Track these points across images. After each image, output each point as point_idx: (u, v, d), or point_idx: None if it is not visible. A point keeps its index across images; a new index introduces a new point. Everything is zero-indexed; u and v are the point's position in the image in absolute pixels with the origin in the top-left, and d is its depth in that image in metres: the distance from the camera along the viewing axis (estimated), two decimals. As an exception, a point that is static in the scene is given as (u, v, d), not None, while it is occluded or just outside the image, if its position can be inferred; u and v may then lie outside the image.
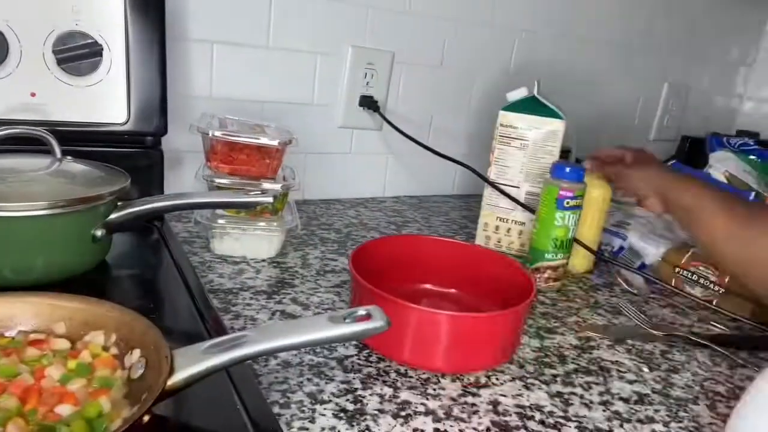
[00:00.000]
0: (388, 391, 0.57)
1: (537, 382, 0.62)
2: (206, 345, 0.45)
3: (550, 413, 0.57)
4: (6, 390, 0.42)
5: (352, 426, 0.51)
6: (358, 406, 0.54)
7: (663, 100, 1.61)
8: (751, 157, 1.16)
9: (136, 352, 0.47)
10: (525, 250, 0.96)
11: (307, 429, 0.50)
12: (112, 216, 0.66)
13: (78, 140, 0.78)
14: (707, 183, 0.76)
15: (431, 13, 1.15)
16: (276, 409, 0.52)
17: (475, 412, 0.56)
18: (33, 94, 0.77)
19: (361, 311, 0.48)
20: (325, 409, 0.53)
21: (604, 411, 0.59)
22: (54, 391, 0.42)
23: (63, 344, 0.48)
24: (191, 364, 0.43)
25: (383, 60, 1.12)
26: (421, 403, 0.56)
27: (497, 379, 0.62)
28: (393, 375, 0.60)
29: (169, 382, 0.42)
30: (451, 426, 0.53)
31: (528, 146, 0.93)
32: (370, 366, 0.61)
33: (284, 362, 0.59)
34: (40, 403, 0.41)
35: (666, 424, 0.58)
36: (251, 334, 0.46)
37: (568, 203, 0.83)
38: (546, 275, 0.85)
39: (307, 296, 0.74)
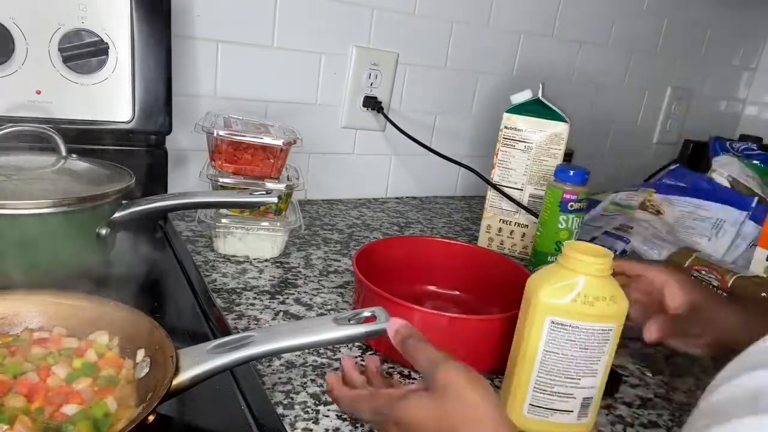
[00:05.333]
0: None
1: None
2: (212, 345, 0.45)
3: (554, 416, 0.57)
4: (12, 389, 0.42)
5: (356, 428, 0.51)
6: (362, 407, 0.54)
7: (666, 103, 1.61)
8: (755, 161, 1.16)
9: (141, 352, 0.47)
10: (528, 252, 0.96)
11: (311, 430, 0.50)
12: (117, 215, 0.66)
13: (83, 138, 0.78)
14: None
15: (435, 15, 1.15)
16: (280, 410, 0.52)
17: (479, 415, 0.56)
18: (38, 92, 0.77)
19: (366, 313, 0.48)
20: (328, 410, 0.53)
21: (607, 415, 0.59)
22: (60, 391, 0.42)
23: (71, 343, 0.48)
24: (197, 364, 0.43)
25: (387, 61, 1.12)
26: (425, 405, 0.56)
27: (500, 381, 0.61)
28: (397, 376, 0.60)
29: (175, 382, 0.42)
30: (454, 428, 0.53)
31: (532, 149, 0.94)
32: (374, 367, 0.61)
33: (288, 363, 0.59)
34: (47, 403, 0.41)
35: (669, 429, 0.58)
36: (257, 335, 0.46)
37: (571, 206, 0.83)
38: (549, 278, 0.85)
39: (311, 296, 0.74)
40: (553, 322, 0.50)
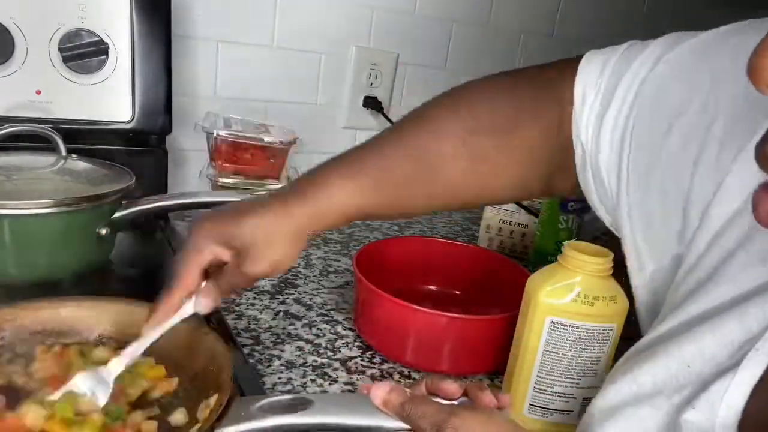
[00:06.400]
0: (391, 392, 0.57)
1: None
2: (261, 402, 0.41)
3: (554, 416, 0.57)
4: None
5: (356, 427, 0.51)
6: (362, 407, 0.54)
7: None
8: (755, 161, 1.16)
9: (211, 401, 0.42)
10: (528, 252, 0.96)
11: (311, 430, 0.50)
12: (117, 215, 0.66)
13: (83, 138, 0.78)
14: None
15: (435, 15, 1.15)
16: (280, 410, 0.52)
17: (479, 415, 0.56)
18: (38, 92, 0.77)
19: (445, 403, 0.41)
20: (328, 410, 0.53)
21: (607, 415, 0.59)
22: None
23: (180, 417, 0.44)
24: (237, 421, 0.39)
25: (387, 61, 1.12)
26: (425, 405, 0.56)
27: (500, 381, 0.61)
28: (397, 377, 0.60)
29: None
30: (454, 428, 0.53)
31: (532, 149, 0.93)
32: (374, 368, 0.61)
33: (288, 363, 0.59)
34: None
35: (669, 429, 0.58)
36: (316, 402, 0.41)
37: (572, 206, 0.83)
38: (549, 278, 0.85)
39: (311, 297, 0.74)
40: (552, 322, 0.50)
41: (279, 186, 0.80)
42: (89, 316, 0.50)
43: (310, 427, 0.40)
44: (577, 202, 0.83)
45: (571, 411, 0.53)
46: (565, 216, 0.83)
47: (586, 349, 0.51)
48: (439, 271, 0.77)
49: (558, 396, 0.52)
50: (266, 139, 0.81)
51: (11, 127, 0.68)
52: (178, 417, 0.43)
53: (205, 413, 0.41)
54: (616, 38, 0.50)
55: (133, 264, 0.77)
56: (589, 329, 0.50)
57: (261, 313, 0.68)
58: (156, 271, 0.77)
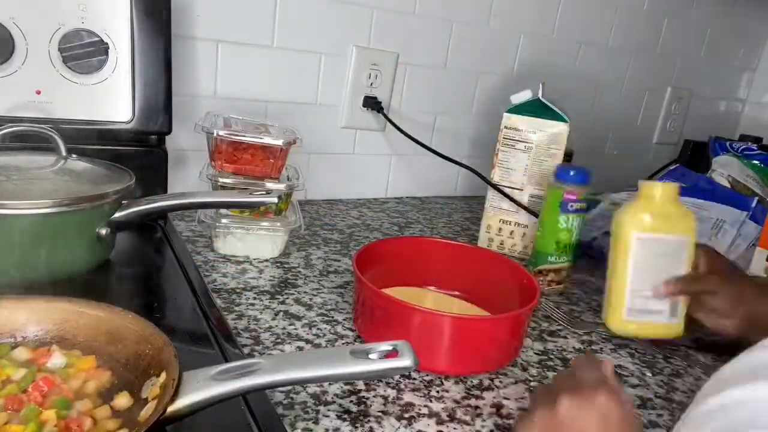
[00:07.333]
0: (391, 393, 0.57)
1: (540, 385, 0.62)
2: (216, 370, 0.42)
3: (554, 417, 0.57)
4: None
5: (356, 427, 0.51)
6: (362, 407, 0.54)
7: (666, 103, 1.61)
8: (755, 161, 1.16)
9: (159, 380, 0.43)
10: (527, 252, 0.96)
11: (311, 430, 0.50)
12: (117, 215, 0.66)
13: (82, 138, 0.78)
14: None
15: (435, 15, 1.15)
16: (280, 410, 0.52)
17: (479, 415, 0.56)
18: (38, 92, 0.77)
19: (387, 346, 0.44)
20: (328, 410, 0.53)
21: (607, 415, 0.59)
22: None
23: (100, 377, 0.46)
24: (198, 389, 0.40)
25: (387, 61, 1.12)
26: (425, 405, 0.56)
27: (500, 381, 0.62)
28: (396, 377, 0.60)
29: (172, 408, 0.39)
30: (454, 429, 0.53)
31: (532, 149, 0.93)
32: (374, 367, 0.61)
33: (288, 363, 0.59)
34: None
35: (669, 429, 0.58)
36: (265, 363, 0.43)
37: (572, 206, 0.83)
38: (549, 278, 0.85)
39: (310, 297, 0.74)
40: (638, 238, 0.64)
41: (279, 186, 0.80)
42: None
43: (264, 386, 0.42)
44: (577, 201, 0.83)
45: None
46: (565, 216, 0.83)
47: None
48: (439, 271, 0.77)
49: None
50: (266, 139, 0.81)
51: (11, 127, 0.68)
52: (122, 400, 0.44)
53: (155, 391, 0.42)
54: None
55: (133, 264, 0.77)
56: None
57: (261, 313, 0.68)
58: (156, 271, 0.77)
